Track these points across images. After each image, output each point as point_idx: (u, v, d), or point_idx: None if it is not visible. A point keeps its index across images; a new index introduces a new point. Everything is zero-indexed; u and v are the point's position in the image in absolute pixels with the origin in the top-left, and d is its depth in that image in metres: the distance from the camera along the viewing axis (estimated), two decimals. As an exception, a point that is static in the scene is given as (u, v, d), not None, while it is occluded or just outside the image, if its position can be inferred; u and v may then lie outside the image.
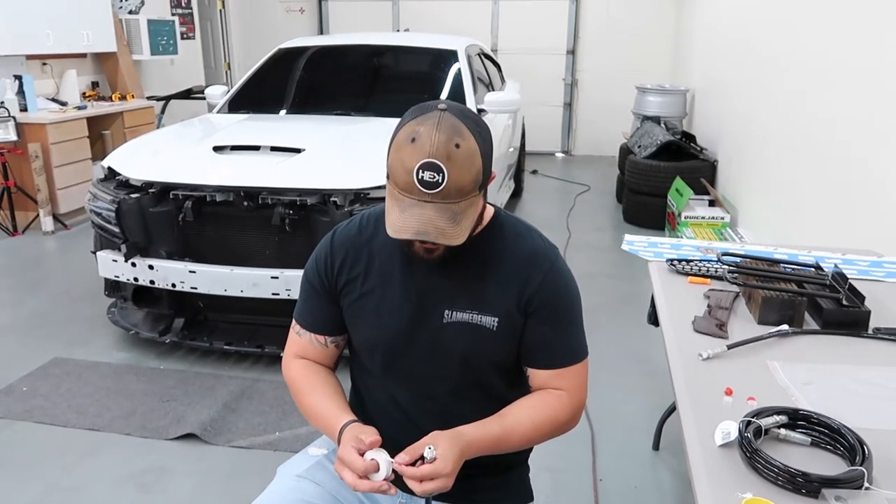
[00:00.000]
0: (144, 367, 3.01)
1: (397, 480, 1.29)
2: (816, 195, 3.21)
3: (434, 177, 1.04)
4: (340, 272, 1.26)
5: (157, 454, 2.41)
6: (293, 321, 1.34)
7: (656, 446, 2.46)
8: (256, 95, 4.21)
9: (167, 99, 6.23)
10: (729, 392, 1.32)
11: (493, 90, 4.76)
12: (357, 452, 1.09)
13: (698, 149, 5.34)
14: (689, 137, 5.48)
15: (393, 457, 1.11)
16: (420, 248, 1.15)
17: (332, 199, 2.80)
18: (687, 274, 1.97)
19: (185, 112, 6.64)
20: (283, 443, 2.46)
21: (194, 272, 2.88)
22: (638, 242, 2.31)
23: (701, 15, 6.33)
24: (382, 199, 3.04)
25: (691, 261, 2.02)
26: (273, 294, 2.82)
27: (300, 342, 1.33)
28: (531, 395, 1.24)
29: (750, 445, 1.09)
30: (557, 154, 8.38)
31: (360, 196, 2.82)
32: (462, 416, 1.22)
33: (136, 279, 2.97)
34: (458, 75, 4.13)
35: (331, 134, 3.35)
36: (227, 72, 8.53)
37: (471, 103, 3.94)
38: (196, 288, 2.90)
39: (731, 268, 1.84)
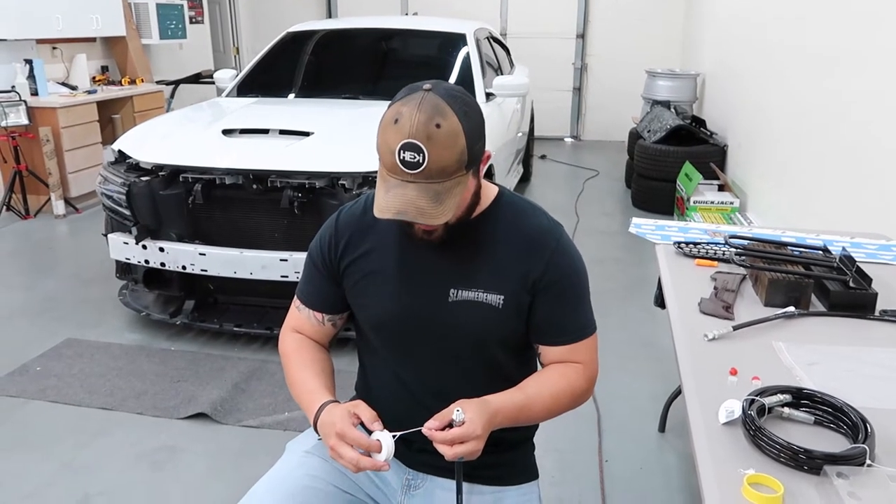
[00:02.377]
0: (155, 348, 3.05)
1: (405, 457, 1.31)
2: (826, 180, 3.19)
3: (414, 157, 1.05)
4: (344, 253, 1.27)
5: (168, 433, 2.45)
6: (295, 296, 1.36)
7: (662, 428, 2.48)
8: (265, 79, 4.21)
9: (176, 83, 6.24)
10: (734, 372, 1.32)
11: (502, 74, 4.74)
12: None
13: (708, 133, 5.31)
14: (699, 122, 5.44)
15: (393, 437, 1.11)
16: (418, 229, 1.17)
17: (340, 181, 2.81)
18: (694, 256, 1.97)
19: (193, 96, 6.65)
20: (293, 423, 2.49)
21: (204, 255, 2.90)
22: (645, 225, 2.31)
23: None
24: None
25: (698, 243, 2.03)
26: (282, 276, 2.85)
27: (299, 317, 1.35)
28: (547, 368, 1.27)
29: (753, 423, 1.10)
30: (566, 139, 8.34)
31: (368, 179, 2.83)
32: (466, 396, 1.22)
33: (146, 261, 3.00)
34: (467, 59, 4.12)
35: (339, 117, 3.35)
36: (235, 56, 8.53)
37: (479, 87, 3.93)
38: (206, 270, 2.92)
39: (738, 250, 1.84)
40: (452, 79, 4.08)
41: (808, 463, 1.03)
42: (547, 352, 1.26)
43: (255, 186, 2.85)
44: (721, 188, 4.76)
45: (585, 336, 1.26)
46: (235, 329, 3.02)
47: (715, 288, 1.74)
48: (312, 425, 1.18)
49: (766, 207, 4.16)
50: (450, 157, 1.07)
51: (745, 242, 1.92)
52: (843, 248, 1.86)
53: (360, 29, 4.54)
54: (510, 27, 8.09)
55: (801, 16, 3.67)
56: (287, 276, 2.85)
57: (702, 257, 1.95)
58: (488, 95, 3.94)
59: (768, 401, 1.15)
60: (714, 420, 1.17)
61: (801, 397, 1.18)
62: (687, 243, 2.03)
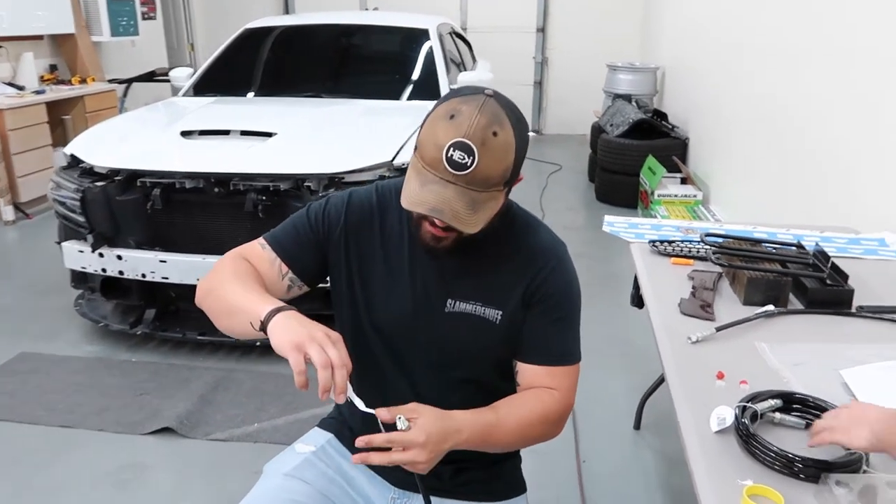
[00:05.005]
0: (116, 360, 2.93)
1: (390, 475, 1.25)
2: (788, 173, 3.24)
3: (464, 158, 1.00)
4: (347, 236, 1.20)
5: (133, 450, 2.35)
6: (261, 238, 1.23)
7: (637, 426, 2.48)
8: (223, 78, 4.09)
9: (129, 82, 6.03)
10: (721, 376, 1.31)
11: (465, 69, 4.70)
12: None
13: (670, 127, 5.36)
14: (661, 116, 5.49)
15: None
16: (428, 233, 1.10)
17: (306, 183, 2.73)
18: (669, 255, 1.96)
19: (147, 95, 6.43)
20: (263, 434, 2.42)
21: (165, 262, 2.79)
22: (618, 223, 2.29)
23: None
24: (357, 184, 2.99)
25: (673, 241, 2.02)
26: (248, 282, 2.75)
27: (258, 251, 1.21)
28: (524, 392, 1.20)
29: (746, 430, 1.08)
30: (528, 133, 8.33)
31: (334, 180, 2.76)
32: (454, 407, 1.18)
33: (104, 270, 2.88)
34: (431, 55, 4.06)
35: (302, 117, 3.27)
36: (190, 53, 8.31)
37: (443, 83, 3.88)
38: (167, 278, 2.82)
39: (714, 248, 1.83)
40: (416, 75, 4.03)
41: (805, 471, 1.01)
42: (525, 371, 1.20)
43: (216, 190, 2.76)
44: (684, 181, 4.81)
45: (567, 363, 1.21)
46: (199, 338, 2.92)
47: (693, 287, 1.73)
48: (270, 311, 1.00)
49: (728, 200, 4.21)
50: (497, 168, 1.02)
51: (721, 240, 1.92)
52: (817, 244, 1.86)
53: (321, 25, 4.44)
54: (470, 21, 8.05)
55: (760, 12, 3.72)
56: (253, 282, 2.75)
57: (678, 256, 1.94)
58: (453, 92, 3.88)
59: (759, 407, 1.14)
60: (706, 428, 1.15)
61: (791, 401, 1.17)
62: (661, 242, 2.01)
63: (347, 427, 1.32)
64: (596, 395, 2.64)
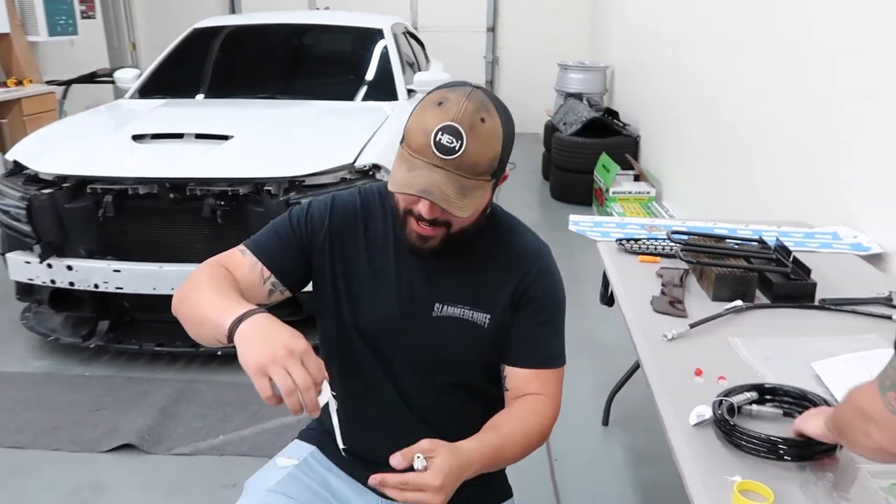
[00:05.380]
0: (67, 374, 2.81)
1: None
2: (736, 169, 3.32)
3: (452, 142, 1.00)
4: (333, 240, 1.18)
5: (91, 469, 2.25)
6: (241, 245, 1.19)
7: (606, 422, 2.51)
8: (171, 79, 3.97)
9: (69, 83, 5.80)
10: (699, 372, 1.33)
11: (419, 69, 4.68)
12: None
13: (621, 125, 5.45)
14: (613, 114, 5.58)
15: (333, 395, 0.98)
16: (414, 232, 1.09)
17: (266, 188, 2.67)
18: (636, 253, 1.99)
19: (88, 98, 6.20)
20: (229, 446, 2.35)
21: (119, 271, 2.69)
22: (583, 223, 2.32)
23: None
24: (318, 187, 2.93)
25: (639, 239, 2.05)
26: (207, 290, 2.67)
27: (237, 257, 1.17)
28: (516, 404, 1.19)
29: (726, 423, 1.10)
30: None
31: (294, 184, 2.71)
32: (441, 412, 1.21)
33: (52, 282, 2.75)
34: (386, 55, 4.03)
35: (258, 119, 3.20)
36: (132, 53, 8.04)
37: (399, 83, 3.85)
38: (122, 288, 2.71)
39: (681, 245, 1.87)
40: (371, 75, 3.99)
41: (789, 452, 1.03)
42: (513, 375, 1.20)
43: (172, 196, 2.67)
44: (637, 178, 4.90)
45: (555, 366, 1.21)
46: (157, 349, 2.83)
47: (663, 284, 1.76)
48: (234, 321, 0.95)
49: (680, 196, 4.31)
50: (484, 155, 1.03)
51: (686, 237, 1.96)
52: (777, 239, 1.92)
53: (272, 25, 4.36)
54: (420, 21, 8.02)
55: (702, 11, 3.81)
56: (212, 290, 2.68)
57: (644, 253, 1.97)
58: (410, 92, 3.86)
59: (736, 399, 1.16)
60: (688, 425, 1.16)
61: (764, 392, 1.20)
62: (628, 240, 2.04)
63: (331, 438, 1.29)
64: (564, 393, 2.65)
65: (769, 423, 1.15)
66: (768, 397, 1.19)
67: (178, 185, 2.66)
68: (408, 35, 4.94)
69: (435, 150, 1.01)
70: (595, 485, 2.20)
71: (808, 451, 1.03)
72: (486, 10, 8.02)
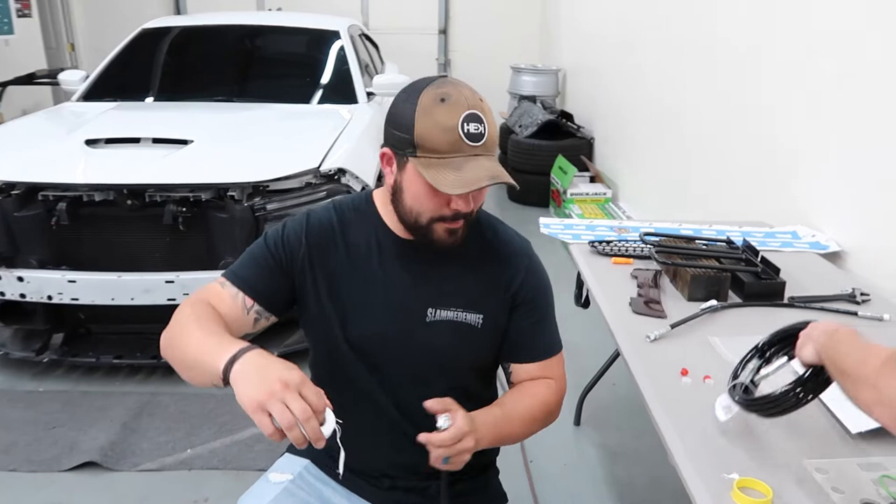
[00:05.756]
0: (20, 391, 2.68)
1: (375, 496, 1.22)
2: (690, 170, 3.41)
3: (478, 128, 1.04)
4: (313, 258, 1.17)
5: (52, 489, 2.15)
6: (221, 277, 1.17)
7: (577, 422, 2.54)
8: (119, 81, 3.83)
9: (5, 85, 5.55)
10: (685, 372, 1.36)
11: (375, 72, 4.65)
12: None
13: (575, 127, 5.53)
14: (567, 116, 5.66)
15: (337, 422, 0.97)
16: (444, 232, 1.11)
17: (229, 193, 2.61)
18: (610, 255, 2.02)
19: (26, 100, 5.95)
20: (198, 460, 2.28)
21: (74, 282, 2.58)
22: (554, 225, 2.34)
23: (568, -2, 6.55)
24: (283, 192, 2.87)
25: (611, 241, 2.08)
26: (169, 300, 2.59)
27: (218, 291, 1.14)
28: (520, 386, 1.24)
29: (755, 403, 1.07)
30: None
31: (259, 189, 2.65)
32: (434, 418, 1.18)
33: (2, 294, 2.62)
34: (344, 57, 3.98)
35: (218, 123, 3.12)
36: (70, 54, 7.73)
37: (359, 86, 3.82)
38: (77, 299, 2.60)
39: (655, 247, 1.91)
40: (331, 78, 3.94)
41: (805, 391, 1.01)
42: (519, 370, 1.24)
43: (130, 202, 2.58)
44: (593, 180, 4.98)
45: (556, 352, 1.26)
46: (115, 361, 2.72)
47: (639, 286, 1.79)
48: (227, 363, 0.93)
49: (636, 197, 4.40)
50: (496, 129, 1.08)
51: (658, 239, 2.00)
52: (744, 239, 1.98)
53: (225, 25, 4.25)
54: (372, 22, 7.97)
55: (649, 15, 3.90)
56: (174, 299, 2.60)
57: (618, 255, 2.01)
58: (369, 95, 3.83)
59: (746, 377, 1.12)
60: (685, 427, 1.18)
61: (763, 352, 1.15)
62: (600, 242, 2.07)
63: (324, 451, 1.26)
64: (534, 394, 2.68)
65: (784, 373, 1.08)
66: (769, 352, 1.15)
67: (136, 191, 2.57)
68: (363, 37, 4.90)
69: (468, 141, 1.03)
70: (571, 485, 2.22)
71: (821, 380, 1.00)
72: (437, 13, 8.02)
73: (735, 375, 1.16)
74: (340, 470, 0.96)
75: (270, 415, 0.86)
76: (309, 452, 1.29)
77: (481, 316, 1.18)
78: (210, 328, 1.03)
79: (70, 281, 2.58)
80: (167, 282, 2.58)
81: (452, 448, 1.02)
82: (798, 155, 2.43)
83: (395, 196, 1.12)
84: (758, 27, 2.73)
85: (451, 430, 1.02)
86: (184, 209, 2.57)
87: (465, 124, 1.02)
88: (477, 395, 1.23)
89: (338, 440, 0.92)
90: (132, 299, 2.60)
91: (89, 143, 2.80)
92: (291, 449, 1.32)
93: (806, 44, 2.37)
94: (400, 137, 1.06)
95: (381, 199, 1.19)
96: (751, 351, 1.17)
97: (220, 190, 2.61)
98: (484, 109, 1.05)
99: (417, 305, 1.17)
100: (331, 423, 0.91)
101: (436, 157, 1.03)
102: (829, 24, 2.23)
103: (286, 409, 0.86)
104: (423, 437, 1.02)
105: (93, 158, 2.71)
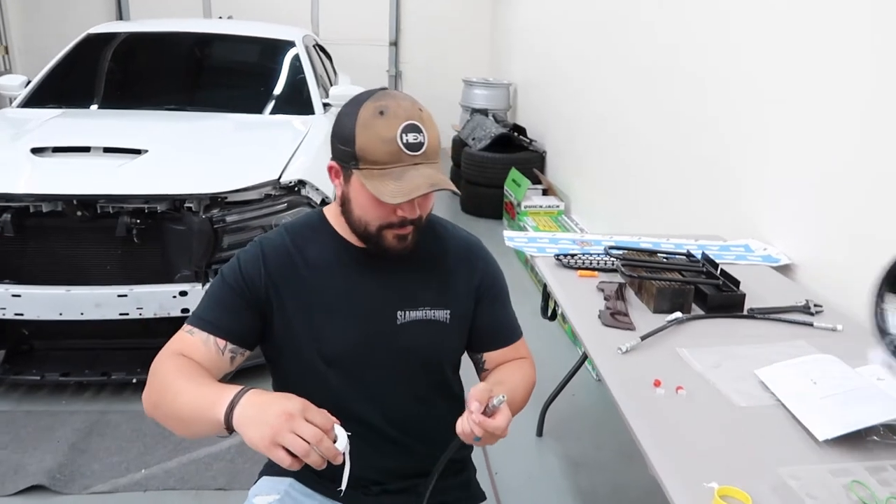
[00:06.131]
0: (-44, 412, 2.54)
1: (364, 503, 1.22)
2: (640, 183, 3.50)
3: (417, 137, 1.06)
4: (275, 286, 1.17)
5: (-4, 516, 2.05)
6: (186, 324, 1.16)
7: (540, 433, 2.56)
8: (64, 87, 3.70)
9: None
10: (657, 383, 1.39)
11: (330, 83, 4.62)
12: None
13: (528, 141, 5.62)
14: (520, 130, 5.74)
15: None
16: (393, 240, 1.14)
17: (186, 205, 2.54)
18: (575, 268, 2.05)
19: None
20: (154, 481, 2.20)
21: (19, 296, 2.46)
22: (518, 238, 2.37)
23: (516, 12, 6.66)
24: (241, 203, 2.81)
25: (575, 255, 2.12)
26: (121, 314, 2.51)
27: (188, 340, 1.14)
28: (503, 366, 1.31)
29: None
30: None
31: (217, 200, 2.59)
32: (421, 420, 1.24)
33: (-61, 309, 2.48)
34: (299, 67, 3.95)
35: (173, 132, 3.04)
36: (4, 57, 7.42)
37: (315, 97, 3.79)
38: (22, 314, 2.49)
39: (620, 260, 1.95)
40: (288, 88, 3.90)
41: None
42: (493, 357, 1.32)
43: (80, 213, 2.48)
44: (545, 192, 5.06)
45: (521, 334, 1.36)
46: (62, 378, 2.60)
47: (605, 298, 1.83)
48: (227, 409, 0.94)
49: (588, 209, 4.49)
50: (437, 138, 1.11)
51: (621, 252, 2.04)
52: (703, 253, 2.04)
53: (177, 33, 4.16)
54: (322, 33, 7.90)
55: (604, 31, 4.01)
56: (127, 314, 2.51)
57: (584, 268, 2.04)
58: (326, 106, 3.80)
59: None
60: (664, 437, 1.21)
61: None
62: (565, 255, 2.10)
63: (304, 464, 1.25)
64: (495, 406, 2.69)
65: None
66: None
67: (86, 202, 2.48)
68: (317, 47, 4.87)
69: (407, 151, 1.06)
70: (536, 496, 2.24)
71: None
72: (388, 25, 8.04)
73: (882, 332, 1.09)
74: (343, 486, 0.95)
75: (284, 448, 0.87)
76: (290, 471, 1.26)
77: (448, 311, 1.23)
78: (197, 380, 1.04)
79: (14, 295, 2.46)
80: (120, 296, 2.49)
81: (499, 423, 1.01)
82: (745, 170, 2.52)
83: (344, 207, 1.16)
84: (702, 47, 2.83)
85: (504, 417, 1.01)
86: (138, 221, 2.49)
87: (404, 135, 1.05)
88: (450, 388, 1.29)
89: (346, 455, 0.93)
90: (82, 314, 2.49)
91: (35, 151, 2.69)
92: (269, 471, 1.30)
93: (752, 67, 2.47)
94: (343, 151, 1.10)
95: (333, 214, 1.23)
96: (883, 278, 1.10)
97: (176, 201, 2.54)
98: (423, 119, 1.08)
99: (387, 310, 1.20)
100: (343, 438, 0.92)
101: (377, 169, 1.06)
102: (778, 46, 2.33)
103: (297, 437, 0.87)
104: (475, 418, 0.99)
105: (40, 167, 2.61)
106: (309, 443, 0.86)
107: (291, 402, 0.90)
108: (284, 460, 0.87)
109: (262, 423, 0.89)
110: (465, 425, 1.01)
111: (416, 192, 1.05)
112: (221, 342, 1.14)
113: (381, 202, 1.07)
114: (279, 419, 0.88)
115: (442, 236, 1.28)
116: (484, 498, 1.41)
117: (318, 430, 0.88)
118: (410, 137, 1.06)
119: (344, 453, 0.92)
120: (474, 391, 1.03)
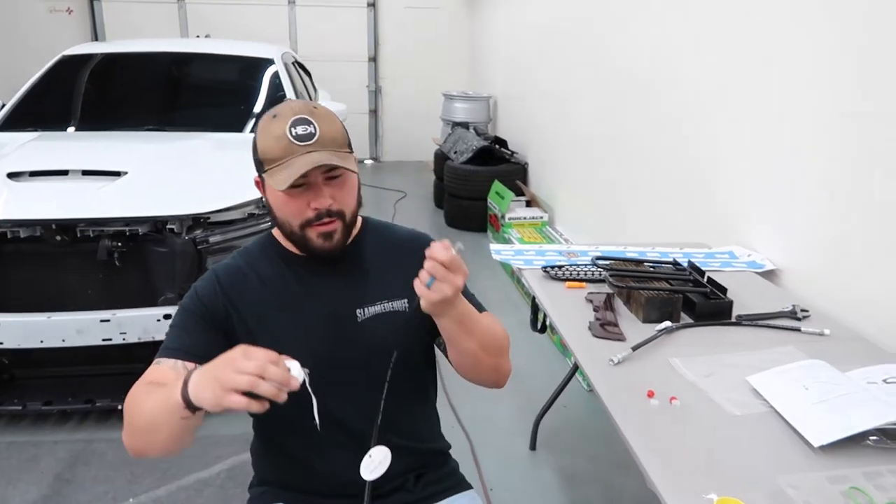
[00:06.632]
0: (-65, 445, 2.48)
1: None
2: (622, 193, 3.52)
3: (307, 129, 1.11)
4: (234, 307, 1.20)
5: (-22, 552, 1.99)
6: (156, 358, 1.17)
7: (533, 446, 2.55)
8: (39, 110, 3.65)
9: None
10: (651, 394, 1.39)
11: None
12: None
13: (509, 153, 5.64)
14: (501, 142, 5.76)
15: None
16: (318, 237, 1.16)
17: (168, 226, 2.51)
18: (563, 279, 2.05)
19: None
20: (142, 509, 2.16)
21: (-2, 324, 2.42)
22: (504, 251, 2.36)
23: (489, 25, 6.71)
24: (224, 223, 2.78)
25: (562, 266, 2.12)
26: (104, 340, 2.46)
27: (157, 370, 1.14)
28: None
29: None
30: (367, 161, 8.38)
31: (199, 221, 2.57)
32: (401, 416, 1.26)
33: (-86, 340, 2.43)
34: (279, 85, 3.94)
35: (153, 153, 3.01)
36: (-22, 80, 7.33)
37: (296, 115, 3.76)
38: (1, 343, 2.43)
39: (608, 271, 1.95)
40: (261, 105, 3.88)
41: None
42: None
43: (59, 238, 2.45)
44: (529, 204, 5.08)
45: (484, 309, 1.32)
46: (44, 408, 2.55)
47: (595, 309, 1.83)
48: (182, 388, 0.96)
49: (571, 220, 4.51)
50: (336, 129, 1.15)
51: (609, 262, 2.05)
52: (689, 261, 2.05)
53: (154, 53, 4.13)
54: (300, 50, 7.90)
55: (574, 44, 4.04)
56: (110, 339, 2.47)
57: (572, 279, 2.04)
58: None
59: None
60: (659, 448, 1.20)
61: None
62: (553, 267, 2.10)
63: (290, 477, 1.28)
64: (488, 421, 2.68)
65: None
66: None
67: (66, 226, 2.45)
68: (296, 64, 4.86)
69: (298, 142, 1.10)
70: (531, 510, 2.22)
71: None
72: (366, 40, 8.06)
73: None
74: (317, 420, 0.97)
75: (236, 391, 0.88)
76: (275, 496, 1.26)
77: (406, 300, 1.25)
78: (158, 388, 1.05)
79: (-7, 324, 2.42)
80: (102, 321, 2.45)
81: (446, 271, 1.01)
82: (727, 177, 2.55)
83: (271, 216, 1.21)
84: (682, 58, 2.86)
85: (454, 255, 1.02)
86: (119, 244, 2.46)
87: (293, 128, 1.10)
88: (424, 386, 1.33)
89: (308, 388, 0.94)
90: (63, 341, 2.45)
91: (11, 175, 2.65)
92: (261, 495, 1.28)
93: (731, 76, 2.50)
94: (255, 160, 1.17)
95: (277, 231, 1.27)
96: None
97: (158, 223, 2.52)
98: (315, 113, 1.13)
99: (346, 310, 1.22)
100: (296, 367, 0.94)
101: (276, 166, 1.11)
102: (756, 55, 2.36)
103: (242, 374, 0.88)
104: (430, 253, 1.02)
105: (16, 192, 2.56)
106: (255, 373, 0.88)
107: (228, 353, 0.93)
108: (240, 402, 0.88)
109: (209, 379, 0.91)
110: (422, 275, 1.04)
111: (299, 171, 1.08)
112: (190, 364, 1.14)
113: (290, 198, 1.12)
114: (223, 368, 0.90)
115: (388, 234, 1.34)
116: (470, 487, 1.41)
117: (262, 359, 0.89)
118: (300, 129, 1.10)
119: (307, 386, 0.93)
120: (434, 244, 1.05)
